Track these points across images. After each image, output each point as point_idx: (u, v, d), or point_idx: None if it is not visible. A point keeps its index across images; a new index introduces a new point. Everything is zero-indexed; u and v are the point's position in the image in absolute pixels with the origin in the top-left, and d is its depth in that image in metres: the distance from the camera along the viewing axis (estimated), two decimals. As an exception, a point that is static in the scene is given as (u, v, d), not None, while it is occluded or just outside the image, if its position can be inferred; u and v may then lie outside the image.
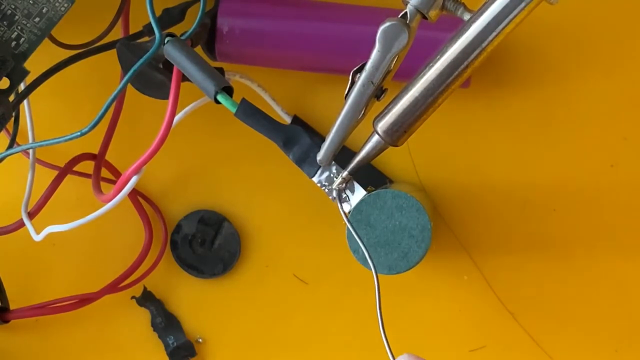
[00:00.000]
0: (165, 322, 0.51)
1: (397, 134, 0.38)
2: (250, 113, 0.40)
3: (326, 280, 0.51)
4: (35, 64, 0.44)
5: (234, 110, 0.40)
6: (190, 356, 0.51)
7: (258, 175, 0.51)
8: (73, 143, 0.44)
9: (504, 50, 0.49)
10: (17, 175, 0.50)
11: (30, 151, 0.48)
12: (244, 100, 0.40)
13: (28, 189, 0.48)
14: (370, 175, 0.49)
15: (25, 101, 0.48)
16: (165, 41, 0.41)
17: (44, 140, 0.42)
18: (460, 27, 0.36)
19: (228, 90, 0.40)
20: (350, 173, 0.39)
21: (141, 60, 0.40)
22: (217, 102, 0.40)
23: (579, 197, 0.49)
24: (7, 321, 0.50)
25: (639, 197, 0.49)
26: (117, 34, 0.46)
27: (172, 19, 0.45)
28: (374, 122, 0.38)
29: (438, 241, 0.49)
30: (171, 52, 0.41)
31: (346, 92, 0.38)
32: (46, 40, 0.44)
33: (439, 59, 0.36)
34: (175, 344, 0.51)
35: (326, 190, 0.40)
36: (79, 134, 0.40)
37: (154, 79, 0.42)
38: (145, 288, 0.51)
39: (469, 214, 0.50)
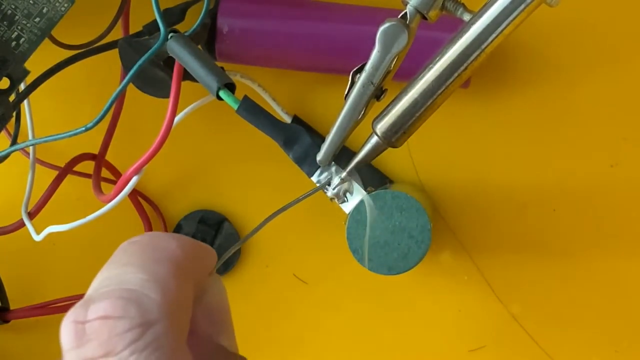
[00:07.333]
0: (165, 322, 0.51)
1: (396, 135, 0.37)
2: (252, 110, 0.40)
3: (326, 280, 0.51)
4: (35, 64, 0.44)
5: (235, 107, 0.39)
6: (190, 356, 0.51)
7: (258, 175, 0.51)
8: (73, 143, 0.44)
9: (503, 51, 0.48)
10: (17, 175, 0.50)
11: (31, 151, 0.48)
12: (246, 98, 0.40)
13: (28, 189, 0.48)
14: (370, 175, 0.49)
15: (25, 101, 0.48)
16: (169, 37, 0.41)
17: (48, 136, 0.42)
18: (460, 28, 0.36)
19: (230, 87, 0.40)
20: (349, 174, 0.39)
21: (146, 55, 0.40)
22: (219, 98, 0.40)
23: (579, 197, 0.49)
24: (7, 321, 0.50)
25: (639, 197, 0.49)
26: (117, 34, 0.46)
27: (173, 18, 0.45)
28: (373, 123, 0.38)
29: (438, 241, 0.49)
30: (174, 47, 0.41)
31: (346, 92, 0.38)
32: (46, 40, 0.44)
33: (438, 60, 0.36)
34: (175, 344, 0.51)
35: (325, 190, 0.40)
36: (83, 129, 0.40)
37: (156, 76, 0.42)
38: (145, 288, 0.51)
39: (469, 214, 0.50)
